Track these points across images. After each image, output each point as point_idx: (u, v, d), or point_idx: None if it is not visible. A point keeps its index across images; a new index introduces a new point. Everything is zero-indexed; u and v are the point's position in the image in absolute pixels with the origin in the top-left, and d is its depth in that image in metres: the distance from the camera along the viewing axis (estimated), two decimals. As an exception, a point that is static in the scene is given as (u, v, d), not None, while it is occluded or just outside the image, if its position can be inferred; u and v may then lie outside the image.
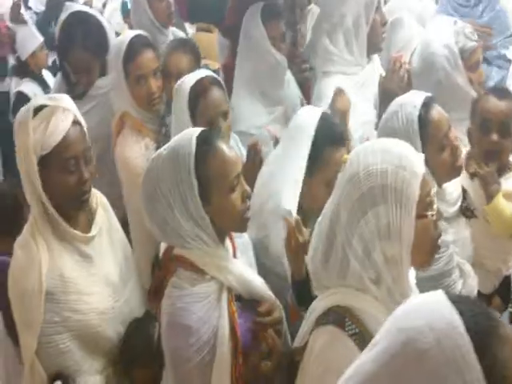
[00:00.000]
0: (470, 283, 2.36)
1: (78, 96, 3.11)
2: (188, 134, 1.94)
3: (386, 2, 3.85)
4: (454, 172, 2.31)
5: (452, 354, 1.03)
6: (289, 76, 3.27)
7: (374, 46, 3.20)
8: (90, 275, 2.07)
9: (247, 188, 1.96)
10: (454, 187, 2.40)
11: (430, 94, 2.31)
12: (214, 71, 3.03)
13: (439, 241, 1.69)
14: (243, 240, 2.16)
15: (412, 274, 1.70)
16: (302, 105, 3.17)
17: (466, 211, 2.43)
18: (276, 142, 2.55)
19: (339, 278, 1.61)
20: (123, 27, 3.94)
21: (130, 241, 2.44)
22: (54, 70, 5.54)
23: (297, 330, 1.80)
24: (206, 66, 3.28)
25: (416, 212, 1.56)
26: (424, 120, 2.22)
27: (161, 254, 2.06)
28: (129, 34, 3.00)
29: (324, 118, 2.28)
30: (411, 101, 2.27)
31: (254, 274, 2.05)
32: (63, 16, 3.20)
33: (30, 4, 7.03)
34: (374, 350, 1.11)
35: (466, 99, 2.74)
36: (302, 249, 2.02)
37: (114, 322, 2.09)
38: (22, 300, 1.98)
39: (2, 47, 6.02)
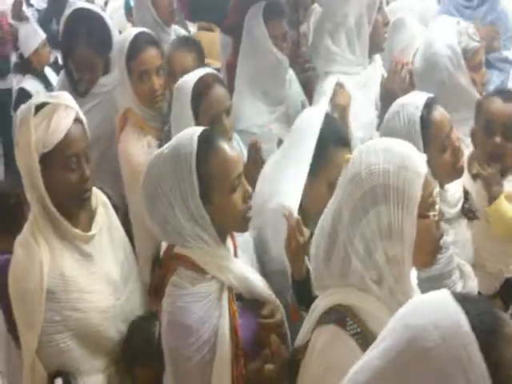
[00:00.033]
0: (470, 284, 2.35)
1: (81, 94, 3.13)
2: (189, 133, 1.94)
3: (388, 3, 3.85)
4: (456, 173, 2.31)
5: (457, 353, 1.03)
6: (291, 75, 3.26)
7: (376, 46, 3.21)
8: (90, 274, 2.07)
9: (248, 188, 1.95)
10: (455, 188, 2.39)
11: (432, 95, 2.31)
12: (215, 70, 3.03)
13: (441, 241, 1.68)
14: (244, 238, 2.16)
15: (414, 274, 1.70)
16: (304, 105, 3.17)
17: (468, 212, 2.43)
18: (280, 141, 2.54)
19: (341, 277, 1.61)
20: (126, 26, 3.94)
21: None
22: (55, 68, 5.56)
23: (297, 330, 1.80)
24: (208, 65, 3.28)
25: (418, 212, 1.56)
26: (426, 121, 2.22)
27: (162, 252, 2.06)
28: (132, 31, 3.00)
29: (328, 119, 2.28)
30: (413, 101, 2.27)
31: (255, 274, 2.05)
32: (67, 13, 3.20)
33: (32, 1, 7.06)
34: (379, 347, 1.12)
35: (468, 99, 2.75)
36: (302, 249, 2.02)
37: (116, 321, 2.09)
38: (22, 299, 1.98)
39: (5, 44, 6.03)
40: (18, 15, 6.15)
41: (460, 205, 2.42)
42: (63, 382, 1.96)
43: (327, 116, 2.30)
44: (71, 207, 2.08)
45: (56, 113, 2.00)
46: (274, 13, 3.17)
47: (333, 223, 1.62)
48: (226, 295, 1.91)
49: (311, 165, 2.14)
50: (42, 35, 5.49)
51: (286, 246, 2.05)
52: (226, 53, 3.74)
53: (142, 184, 1.95)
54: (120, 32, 3.38)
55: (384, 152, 1.59)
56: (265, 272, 2.18)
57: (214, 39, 4.13)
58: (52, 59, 5.66)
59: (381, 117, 2.80)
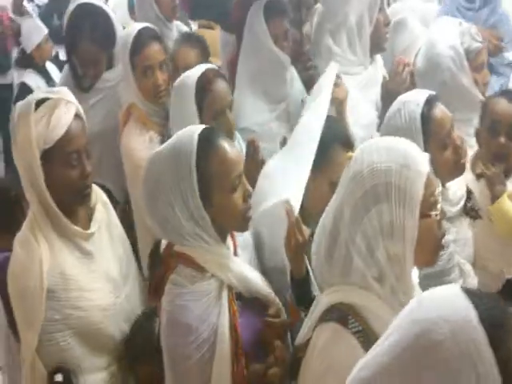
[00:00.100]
0: (469, 283, 2.35)
1: (84, 89, 3.13)
2: (190, 131, 1.93)
3: (389, 4, 3.84)
4: (457, 171, 2.31)
5: (466, 347, 1.03)
6: (293, 74, 3.26)
7: (377, 46, 3.20)
8: (90, 272, 2.06)
9: (249, 187, 1.95)
10: (457, 187, 2.40)
11: (433, 93, 2.31)
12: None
13: (443, 240, 1.68)
14: (244, 237, 2.15)
15: (415, 272, 1.70)
16: (306, 103, 3.16)
17: (471, 212, 2.43)
18: (284, 140, 2.54)
19: (342, 275, 1.60)
20: (129, 22, 3.95)
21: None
22: (55, 63, 5.56)
23: (297, 329, 1.80)
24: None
25: (420, 211, 1.55)
26: (426, 118, 2.23)
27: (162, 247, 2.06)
28: (136, 26, 3.00)
29: (331, 119, 2.28)
30: (414, 99, 2.28)
31: (255, 272, 2.04)
32: (71, 8, 3.19)
33: (33, -4, 7.04)
34: (387, 342, 1.12)
35: (471, 100, 2.76)
36: (302, 248, 2.01)
37: (116, 319, 2.08)
38: (22, 297, 1.97)
39: (5, 40, 6.03)
40: (19, 10, 6.16)
41: (462, 203, 2.42)
42: (63, 378, 1.95)
43: (330, 116, 2.31)
44: (72, 204, 2.07)
45: (57, 108, 1.99)
46: (275, 11, 3.16)
47: (334, 221, 1.62)
48: (225, 294, 1.91)
49: (313, 164, 2.14)
50: (45, 30, 5.50)
51: (286, 244, 2.05)
52: (226, 51, 3.74)
53: (142, 182, 1.95)
54: (123, 27, 3.37)
55: (386, 150, 1.59)
56: (264, 270, 2.17)
57: (214, 37, 4.12)
58: (53, 54, 5.67)
59: (381, 117, 2.80)
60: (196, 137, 1.89)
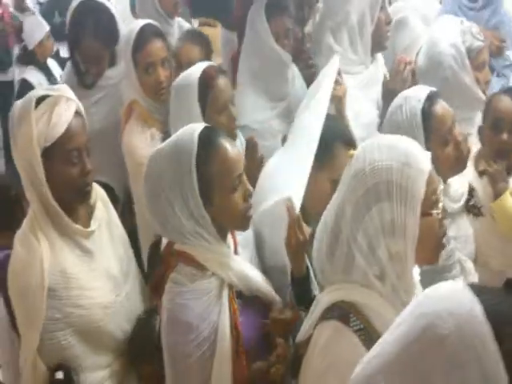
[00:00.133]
0: (470, 280, 2.35)
1: (87, 86, 3.13)
2: (190, 130, 1.93)
3: (390, 3, 3.83)
4: (458, 167, 2.31)
5: (471, 341, 1.04)
6: (295, 72, 3.26)
7: (378, 44, 3.19)
8: (90, 270, 2.05)
9: (249, 187, 1.94)
10: (459, 183, 2.40)
11: (434, 89, 2.32)
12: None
13: (444, 239, 1.68)
14: (244, 235, 2.15)
15: (416, 271, 1.69)
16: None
17: (473, 209, 2.43)
18: (284, 138, 2.54)
19: (344, 273, 1.60)
20: (129, 17, 3.95)
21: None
22: (56, 59, 5.56)
23: (297, 329, 1.79)
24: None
25: (421, 210, 1.55)
26: (427, 114, 2.24)
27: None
28: (139, 23, 3.00)
29: (332, 117, 2.28)
30: (416, 95, 2.29)
31: (255, 271, 2.04)
32: (73, 4, 3.19)
33: (34, -7, 7.05)
34: (394, 334, 1.13)
35: (472, 99, 2.77)
36: (303, 247, 2.01)
37: (117, 317, 2.07)
38: (23, 296, 1.96)
39: (6, 37, 6.03)
40: (20, 6, 6.17)
41: (463, 200, 2.43)
42: (64, 376, 1.95)
43: (330, 114, 2.30)
44: (72, 202, 2.06)
45: (57, 106, 1.98)
46: (276, 9, 3.16)
47: (336, 218, 1.62)
48: (226, 292, 1.91)
49: (315, 162, 2.13)
50: (46, 27, 5.51)
51: (287, 243, 2.05)
52: (227, 49, 3.74)
53: (143, 180, 1.95)
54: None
55: (388, 148, 1.59)
56: (264, 269, 2.17)
57: (215, 35, 4.12)
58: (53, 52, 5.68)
59: (382, 116, 2.80)
60: (196, 136, 1.89)
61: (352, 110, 2.91)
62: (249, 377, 1.89)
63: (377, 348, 1.15)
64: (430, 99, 2.26)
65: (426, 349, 1.07)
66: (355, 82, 3.09)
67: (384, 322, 1.47)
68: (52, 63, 5.57)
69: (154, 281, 2.03)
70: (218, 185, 1.87)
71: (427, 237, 1.58)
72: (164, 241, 2.10)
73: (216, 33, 4.19)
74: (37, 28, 5.47)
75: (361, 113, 3.02)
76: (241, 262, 1.99)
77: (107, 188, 2.39)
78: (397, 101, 2.32)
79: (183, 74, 2.60)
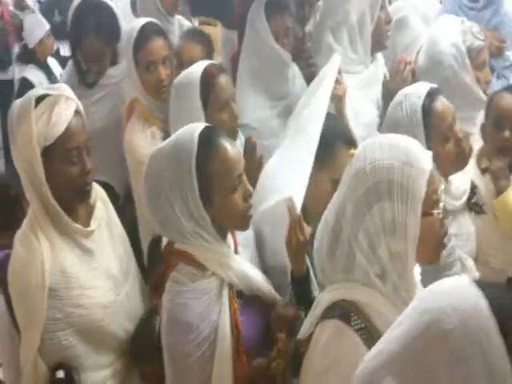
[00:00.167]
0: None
1: (88, 85, 3.13)
2: (190, 130, 1.92)
3: (390, 2, 3.83)
4: (459, 163, 2.31)
5: (476, 336, 1.04)
6: (296, 71, 3.26)
7: (378, 44, 3.19)
8: (91, 269, 2.05)
9: (249, 187, 1.94)
10: (460, 181, 2.40)
11: (435, 86, 2.32)
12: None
13: (445, 239, 1.68)
14: (245, 234, 2.15)
15: (417, 270, 1.69)
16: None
17: (475, 207, 2.43)
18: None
19: (345, 272, 1.60)
20: (129, 15, 3.96)
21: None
22: (56, 58, 5.56)
23: (297, 329, 1.79)
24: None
25: (422, 209, 1.55)
26: (428, 110, 2.24)
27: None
28: (140, 21, 3.00)
29: (332, 116, 2.28)
30: (416, 91, 2.30)
31: (256, 270, 2.04)
32: (75, 3, 3.19)
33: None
34: (397, 330, 1.13)
35: (472, 98, 2.77)
36: (303, 247, 2.01)
37: (117, 316, 2.07)
38: (24, 296, 1.96)
39: (6, 35, 6.03)
40: (20, 5, 6.17)
41: (465, 198, 2.43)
42: (65, 375, 1.94)
43: (330, 114, 2.30)
44: (72, 201, 2.06)
45: (57, 105, 1.98)
46: (276, 8, 3.15)
47: (337, 217, 1.62)
48: (226, 292, 1.91)
49: (315, 161, 2.13)
50: (47, 25, 5.51)
51: (287, 243, 2.04)
52: (227, 48, 3.74)
53: (143, 179, 1.94)
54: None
55: (389, 148, 1.59)
56: (265, 269, 2.17)
57: (214, 34, 4.12)
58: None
59: (382, 116, 2.79)
60: (197, 136, 1.88)
61: (352, 110, 2.91)
62: (249, 375, 1.88)
63: (380, 344, 1.16)
64: (431, 96, 2.27)
65: (430, 344, 1.07)
66: (355, 81, 3.08)
67: (385, 321, 1.47)
68: (52, 62, 5.57)
69: (154, 279, 2.02)
70: (217, 185, 1.87)
71: (428, 236, 1.58)
72: (164, 239, 2.10)
73: (216, 32, 4.19)
74: (37, 26, 5.47)
75: (361, 112, 3.01)
76: (241, 262, 1.99)
77: (107, 187, 2.38)
78: (397, 98, 2.33)
79: (184, 73, 2.59)
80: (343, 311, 1.57)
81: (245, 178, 1.94)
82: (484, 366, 1.04)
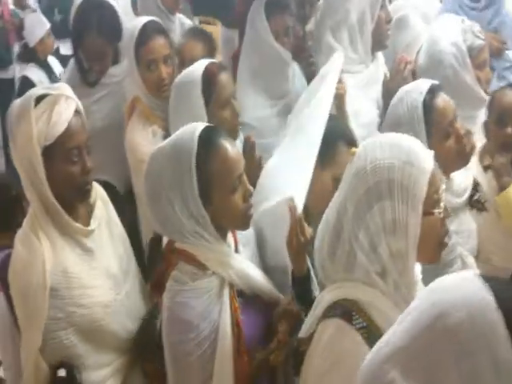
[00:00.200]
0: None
1: (90, 83, 3.13)
2: (191, 129, 1.92)
3: (390, 1, 3.82)
4: (460, 160, 2.30)
5: (483, 330, 1.05)
6: (296, 70, 3.25)
7: (378, 43, 3.18)
8: (91, 269, 2.05)
9: (249, 187, 1.94)
10: (462, 178, 2.40)
11: (436, 82, 2.31)
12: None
13: (446, 238, 1.68)
14: (245, 233, 2.14)
15: (418, 269, 1.69)
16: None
17: (477, 204, 2.43)
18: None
19: (346, 271, 1.60)
20: (130, 13, 3.97)
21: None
22: (57, 57, 5.57)
23: (297, 329, 1.79)
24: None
25: (423, 209, 1.55)
26: (429, 107, 2.24)
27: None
28: (142, 20, 2.99)
29: (333, 116, 2.28)
30: (417, 88, 2.30)
31: (256, 269, 2.04)
32: (77, 1, 3.18)
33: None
34: (403, 324, 1.13)
35: (473, 97, 2.77)
36: (304, 247, 2.01)
37: (117, 316, 2.07)
38: (25, 296, 1.96)
39: (7, 34, 6.04)
40: (21, 3, 6.17)
41: (466, 195, 2.42)
42: (66, 374, 1.94)
43: (332, 114, 2.30)
44: (72, 200, 2.06)
45: (57, 104, 1.98)
46: (276, 7, 3.15)
47: (338, 217, 1.62)
48: (226, 291, 1.91)
49: (317, 160, 2.13)
50: (47, 24, 5.52)
51: (288, 243, 2.04)
52: (227, 47, 3.74)
53: (144, 178, 1.94)
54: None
55: (390, 147, 1.58)
56: (265, 269, 2.16)
57: (215, 33, 4.12)
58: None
59: (382, 116, 2.79)
60: (197, 135, 1.88)
61: (352, 110, 2.91)
62: (250, 374, 1.88)
63: (386, 338, 1.16)
64: (432, 92, 2.27)
65: (437, 338, 1.08)
66: (355, 81, 3.08)
67: (386, 320, 1.47)
68: (53, 61, 5.57)
69: (154, 278, 2.02)
70: (217, 185, 1.87)
71: (429, 236, 1.58)
72: (165, 238, 2.10)
73: (216, 31, 4.19)
74: (38, 25, 5.48)
75: (361, 112, 3.01)
76: (241, 261, 1.99)
77: (109, 186, 2.38)
78: (398, 94, 2.33)
79: (185, 72, 2.60)
80: (345, 310, 1.56)
81: (245, 177, 1.94)
82: (490, 359, 1.04)
